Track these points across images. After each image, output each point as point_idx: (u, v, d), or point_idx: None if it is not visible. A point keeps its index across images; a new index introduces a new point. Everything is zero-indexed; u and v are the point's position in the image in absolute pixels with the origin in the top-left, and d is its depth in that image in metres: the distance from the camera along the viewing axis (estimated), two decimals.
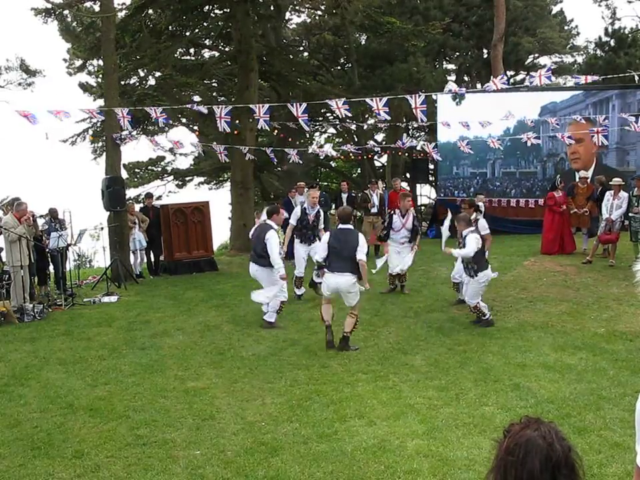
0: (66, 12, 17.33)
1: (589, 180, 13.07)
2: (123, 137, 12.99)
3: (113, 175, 12.61)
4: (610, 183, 11.50)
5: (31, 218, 10.15)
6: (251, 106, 9.79)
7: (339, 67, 24.77)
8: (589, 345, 7.02)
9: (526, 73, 25.68)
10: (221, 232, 23.96)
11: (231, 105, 10.49)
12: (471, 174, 17.38)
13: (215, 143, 14.65)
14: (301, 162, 14.22)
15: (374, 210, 13.54)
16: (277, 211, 8.53)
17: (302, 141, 16.50)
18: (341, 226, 7.27)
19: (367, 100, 9.08)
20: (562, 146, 16.55)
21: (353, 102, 10.46)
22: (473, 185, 17.26)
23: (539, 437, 1.67)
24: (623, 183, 11.46)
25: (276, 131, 15.25)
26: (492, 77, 19.43)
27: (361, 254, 6.98)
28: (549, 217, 12.51)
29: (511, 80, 24.33)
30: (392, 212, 9.97)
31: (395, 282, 10.08)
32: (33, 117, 8.14)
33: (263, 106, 9.28)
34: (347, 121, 17.48)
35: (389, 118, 9.20)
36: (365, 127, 15.08)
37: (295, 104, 9.13)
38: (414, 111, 8.84)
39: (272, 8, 19.46)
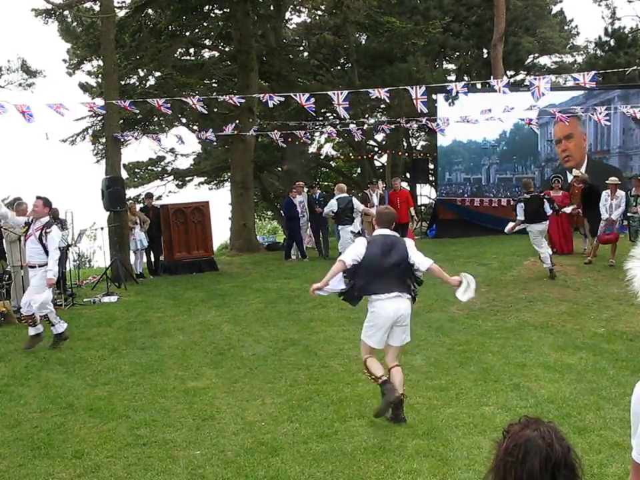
0: (66, 12, 17.35)
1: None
2: (124, 136, 12.99)
3: (113, 175, 12.62)
4: (606, 182, 11.31)
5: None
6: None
7: (339, 67, 24.77)
8: (589, 344, 7.02)
9: (526, 72, 25.70)
10: (221, 232, 23.99)
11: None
12: (464, 179, 16.75)
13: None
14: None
15: (374, 210, 13.56)
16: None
17: (302, 141, 16.55)
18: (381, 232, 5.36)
19: (370, 90, 9.01)
20: None
21: (354, 99, 10.45)
22: (466, 191, 16.67)
23: (539, 437, 1.67)
24: (620, 182, 11.32)
25: (276, 130, 15.25)
26: (492, 76, 19.47)
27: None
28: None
29: (511, 80, 24.34)
30: None
31: None
32: (29, 114, 8.10)
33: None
34: (347, 119, 17.47)
35: (388, 101, 9.12)
36: (365, 126, 15.08)
37: (298, 94, 9.14)
38: (414, 102, 8.74)
39: (272, 8, 19.49)
